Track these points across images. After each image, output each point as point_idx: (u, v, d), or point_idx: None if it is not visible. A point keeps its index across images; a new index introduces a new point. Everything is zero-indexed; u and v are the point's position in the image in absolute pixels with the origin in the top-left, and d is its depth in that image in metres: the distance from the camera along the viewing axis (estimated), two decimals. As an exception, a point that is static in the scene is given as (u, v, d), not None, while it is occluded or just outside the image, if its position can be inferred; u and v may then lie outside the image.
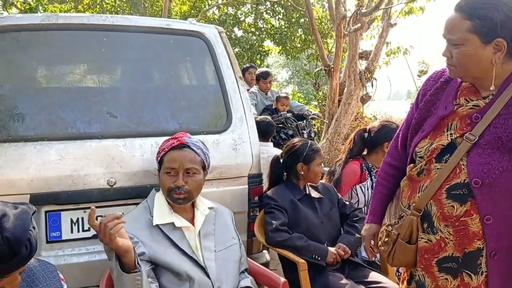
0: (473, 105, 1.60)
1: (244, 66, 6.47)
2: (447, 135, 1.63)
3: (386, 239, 1.76)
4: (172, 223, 1.88)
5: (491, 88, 1.55)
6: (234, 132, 2.62)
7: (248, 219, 2.68)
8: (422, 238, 1.67)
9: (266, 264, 2.71)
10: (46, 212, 2.31)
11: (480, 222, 1.54)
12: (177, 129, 2.53)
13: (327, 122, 8.26)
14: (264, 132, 4.34)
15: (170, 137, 2.01)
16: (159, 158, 1.98)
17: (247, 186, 2.64)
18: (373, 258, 2.07)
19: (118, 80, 2.68)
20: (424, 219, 1.66)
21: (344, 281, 2.42)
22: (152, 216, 1.88)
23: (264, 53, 15.16)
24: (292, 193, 2.70)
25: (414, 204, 1.67)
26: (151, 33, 2.60)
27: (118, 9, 14.33)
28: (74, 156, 2.31)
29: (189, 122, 2.58)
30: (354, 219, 2.78)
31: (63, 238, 2.34)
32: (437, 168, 1.62)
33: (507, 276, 1.56)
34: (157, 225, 1.85)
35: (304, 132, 5.15)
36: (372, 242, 1.92)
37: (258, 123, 4.40)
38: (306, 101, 14.37)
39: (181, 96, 2.63)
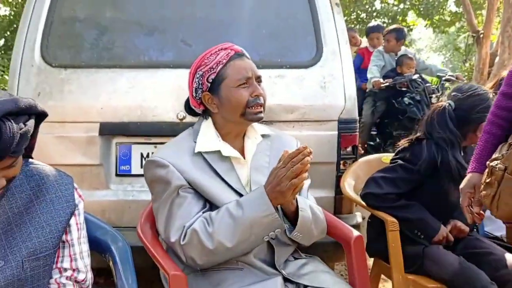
0: None
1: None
2: None
3: (488, 180, 1.24)
4: (219, 152, 1.54)
5: None
6: (323, 67, 2.23)
7: (336, 171, 2.28)
8: None
9: (354, 227, 2.28)
10: (117, 144, 2.22)
11: None
12: (256, 61, 2.22)
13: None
14: None
15: (213, 50, 1.58)
16: (214, 75, 1.54)
17: (336, 132, 2.23)
18: (477, 223, 1.52)
19: (195, 6, 2.44)
20: None
21: (452, 256, 1.88)
22: (195, 143, 1.56)
23: (408, 28, 13.95)
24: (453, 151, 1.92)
25: None
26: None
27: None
28: (144, 85, 2.17)
29: (270, 54, 2.26)
30: None
31: (133, 172, 2.23)
32: None
33: None
34: (200, 153, 1.53)
35: (433, 96, 4.42)
36: (474, 198, 1.39)
37: None
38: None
39: (262, 24, 2.31)
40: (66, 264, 1.31)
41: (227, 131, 1.58)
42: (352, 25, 12.53)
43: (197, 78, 1.56)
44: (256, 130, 1.64)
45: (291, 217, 1.48)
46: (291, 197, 1.38)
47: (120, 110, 2.16)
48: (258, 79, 1.57)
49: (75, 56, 2.22)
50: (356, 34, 6.18)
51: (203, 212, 1.44)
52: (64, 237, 1.32)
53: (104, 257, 1.49)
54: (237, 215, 1.38)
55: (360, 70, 5.53)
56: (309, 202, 1.57)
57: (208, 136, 1.56)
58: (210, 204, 1.48)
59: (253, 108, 1.52)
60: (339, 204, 2.31)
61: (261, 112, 1.54)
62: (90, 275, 1.38)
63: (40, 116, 1.23)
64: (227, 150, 1.54)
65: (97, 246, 1.48)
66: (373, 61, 4.93)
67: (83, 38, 2.27)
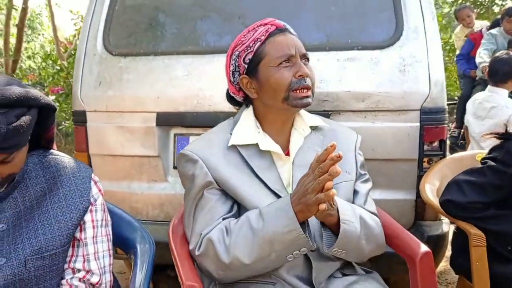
0: None
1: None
2: None
3: None
4: (257, 146, 1.31)
5: None
6: (403, 47, 1.89)
7: (418, 170, 1.93)
8: None
9: (439, 238, 1.92)
10: (175, 135, 2.11)
11: None
12: (323, 43, 1.97)
13: None
14: (495, 71, 3.27)
15: (251, 27, 1.38)
16: (252, 54, 1.31)
17: (418, 124, 1.88)
18: None
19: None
20: None
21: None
22: (231, 134, 1.35)
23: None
24: None
25: None
26: None
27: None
28: (201, 72, 2.02)
29: (339, 34, 1.97)
30: None
31: (190, 165, 2.10)
32: None
33: None
34: (235, 146, 1.31)
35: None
36: None
37: (495, 60, 3.32)
38: None
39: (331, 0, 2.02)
40: (78, 265, 1.21)
41: (270, 121, 1.35)
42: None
43: (233, 59, 1.36)
44: (304, 120, 1.39)
45: (335, 229, 1.22)
46: (320, 213, 1.10)
47: (176, 100, 2.04)
48: (304, 57, 1.32)
49: (134, 44, 2.15)
50: (472, 14, 5.45)
51: (224, 219, 1.24)
52: (78, 235, 1.21)
53: (128, 256, 1.36)
54: (257, 227, 1.15)
55: (470, 57, 4.90)
56: (361, 212, 1.28)
57: (245, 127, 1.34)
58: (239, 208, 1.27)
59: (298, 91, 1.27)
60: (421, 209, 1.96)
61: (308, 96, 1.29)
62: (108, 277, 1.26)
63: (49, 108, 1.13)
64: (266, 143, 1.31)
65: (122, 243, 1.37)
66: (483, 45, 4.30)
67: (142, 24, 2.18)
